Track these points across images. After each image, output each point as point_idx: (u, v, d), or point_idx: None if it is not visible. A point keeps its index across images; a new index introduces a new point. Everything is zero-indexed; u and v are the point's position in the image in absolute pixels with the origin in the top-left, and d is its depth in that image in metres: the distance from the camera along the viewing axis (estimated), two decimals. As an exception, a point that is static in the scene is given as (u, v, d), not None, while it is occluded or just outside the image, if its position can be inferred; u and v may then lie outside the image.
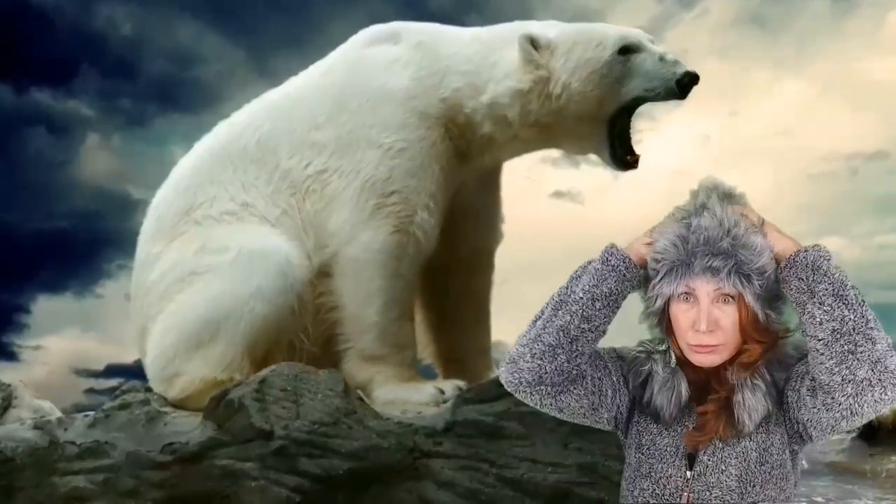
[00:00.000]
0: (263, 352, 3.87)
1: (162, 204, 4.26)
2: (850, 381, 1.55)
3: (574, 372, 1.70)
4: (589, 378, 1.72)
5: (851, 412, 1.57)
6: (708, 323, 1.64)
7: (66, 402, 4.83)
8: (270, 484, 3.40)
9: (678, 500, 1.66)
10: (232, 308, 3.81)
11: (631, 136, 3.90)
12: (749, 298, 1.63)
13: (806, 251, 1.61)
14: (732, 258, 1.62)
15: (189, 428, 3.64)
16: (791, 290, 1.61)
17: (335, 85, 4.11)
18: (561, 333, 1.67)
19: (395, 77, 4.01)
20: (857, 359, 1.54)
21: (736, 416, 1.65)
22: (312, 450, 3.43)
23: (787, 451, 1.68)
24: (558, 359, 1.67)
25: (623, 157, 3.87)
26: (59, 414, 4.17)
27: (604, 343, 1.75)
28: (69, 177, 12.18)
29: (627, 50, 3.77)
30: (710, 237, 1.64)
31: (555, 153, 4.52)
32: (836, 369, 1.55)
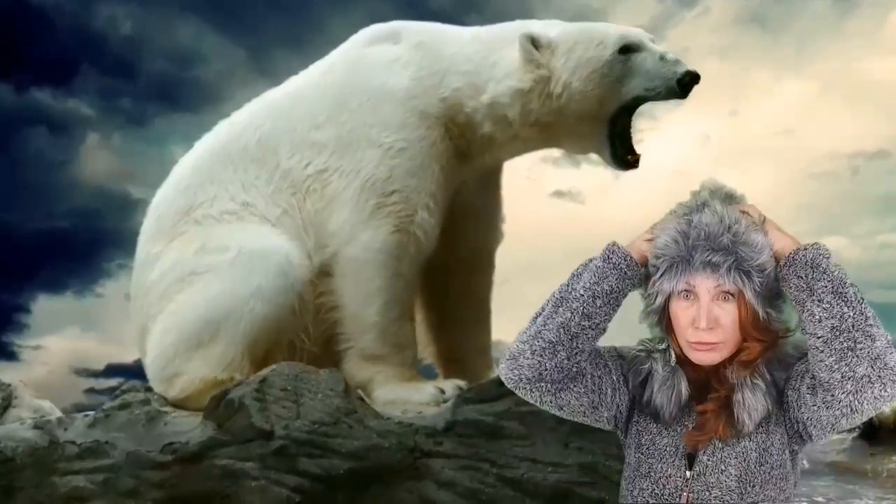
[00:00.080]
0: (264, 351, 3.87)
1: (162, 203, 4.26)
2: (849, 378, 1.55)
3: (574, 369, 1.69)
4: (589, 376, 1.72)
5: (851, 409, 1.57)
6: (708, 320, 1.64)
7: (66, 401, 4.83)
8: (271, 484, 3.39)
9: (677, 499, 1.66)
10: (232, 308, 3.81)
11: (631, 135, 3.90)
12: (749, 295, 1.63)
13: (805, 249, 1.61)
14: (732, 254, 1.62)
15: (189, 428, 3.64)
16: (790, 287, 1.61)
17: (335, 84, 4.11)
18: (561, 330, 1.67)
19: (396, 76, 4.01)
20: (857, 356, 1.54)
21: (736, 415, 1.65)
22: (313, 450, 3.43)
23: (786, 452, 1.68)
24: (558, 355, 1.67)
25: (624, 156, 3.88)
26: (59, 414, 4.16)
27: (604, 342, 1.75)
28: (69, 176, 12.19)
29: (628, 49, 3.77)
30: (710, 233, 1.64)
31: (555, 153, 4.52)
32: (836, 366, 1.55)
